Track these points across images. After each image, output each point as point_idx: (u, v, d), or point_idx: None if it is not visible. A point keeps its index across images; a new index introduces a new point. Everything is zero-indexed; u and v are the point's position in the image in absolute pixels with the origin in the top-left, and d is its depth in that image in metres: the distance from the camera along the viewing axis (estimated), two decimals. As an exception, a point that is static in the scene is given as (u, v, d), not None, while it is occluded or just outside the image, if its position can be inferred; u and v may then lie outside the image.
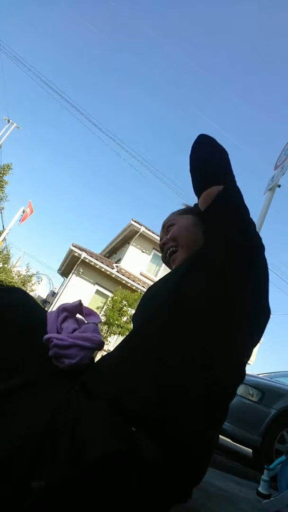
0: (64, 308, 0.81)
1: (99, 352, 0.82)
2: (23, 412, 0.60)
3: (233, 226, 0.75)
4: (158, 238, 1.00)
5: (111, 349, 0.81)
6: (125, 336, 0.81)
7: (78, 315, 0.84)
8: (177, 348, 0.66)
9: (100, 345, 0.76)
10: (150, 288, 0.87)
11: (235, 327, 0.71)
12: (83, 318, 0.84)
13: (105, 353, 0.80)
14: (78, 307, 0.83)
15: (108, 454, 0.55)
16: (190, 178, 0.86)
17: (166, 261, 0.93)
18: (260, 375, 4.09)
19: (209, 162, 0.84)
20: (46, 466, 0.54)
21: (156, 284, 0.86)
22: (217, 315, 0.69)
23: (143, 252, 14.21)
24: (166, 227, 0.95)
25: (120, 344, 0.74)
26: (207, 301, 0.70)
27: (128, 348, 0.70)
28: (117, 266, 13.37)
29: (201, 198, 0.81)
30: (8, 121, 16.83)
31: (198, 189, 0.83)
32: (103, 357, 0.75)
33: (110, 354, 0.74)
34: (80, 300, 0.84)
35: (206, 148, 0.86)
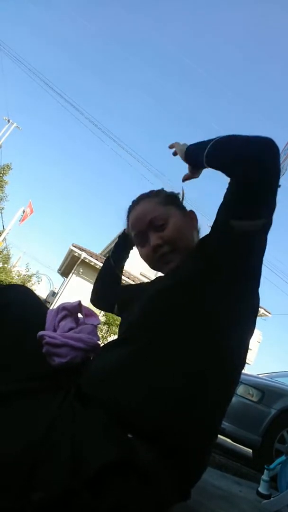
0: (63, 307, 0.81)
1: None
2: (19, 422, 0.59)
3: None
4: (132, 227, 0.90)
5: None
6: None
7: (79, 315, 0.84)
8: (178, 361, 0.66)
9: (94, 348, 0.76)
10: (144, 290, 0.87)
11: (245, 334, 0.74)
12: (83, 318, 0.84)
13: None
14: (77, 307, 0.83)
15: (108, 463, 0.55)
16: (241, 181, 0.69)
17: (155, 260, 0.85)
18: (260, 375, 4.08)
19: (270, 193, 0.69)
20: (45, 478, 0.54)
21: (151, 288, 0.84)
22: (226, 325, 0.70)
23: (143, 252, 14.20)
24: (153, 221, 0.84)
25: (116, 346, 0.74)
26: (217, 313, 0.70)
27: (126, 355, 0.68)
28: (117, 266, 13.35)
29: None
30: (8, 121, 16.82)
31: (244, 204, 0.69)
32: (98, 358, 0.75)
33: (105, 356, 0.73)
34: (79, 301, 0.84)
35: (275, 175, 0.69)
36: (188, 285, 0.72)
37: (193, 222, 0.91)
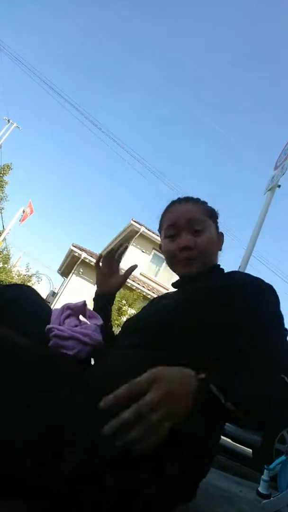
0: (68, 307, 0.83)
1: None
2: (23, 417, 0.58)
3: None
4: (169, 223, 0.92)
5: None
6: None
7: (81, 317, 0.85)
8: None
9: (98, 344, 0.77)
10: (165, 299, 0.89)
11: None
12: (86, 320, 0.85)
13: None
14: (82, 307, 0.85)
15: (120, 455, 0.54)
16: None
17: (178, 259, 0.88)
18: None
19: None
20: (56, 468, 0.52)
21: (169, 298, 0.87)
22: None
23: (143, 252, 14.21)
24: (194, 223, 0.88)
25: (127, 345, 0.74)
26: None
27: (138, 360, 0.69)
28: (117, 266, 13.35)
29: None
30: (8, 121, 16.81)
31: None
32: (104, 357, 0.75)
33: (111, 356, 0.73)
34: (84, 301, 0.86)
35: None
36: (192, 309, 0.75)
37: (220, 243, 0.96)
